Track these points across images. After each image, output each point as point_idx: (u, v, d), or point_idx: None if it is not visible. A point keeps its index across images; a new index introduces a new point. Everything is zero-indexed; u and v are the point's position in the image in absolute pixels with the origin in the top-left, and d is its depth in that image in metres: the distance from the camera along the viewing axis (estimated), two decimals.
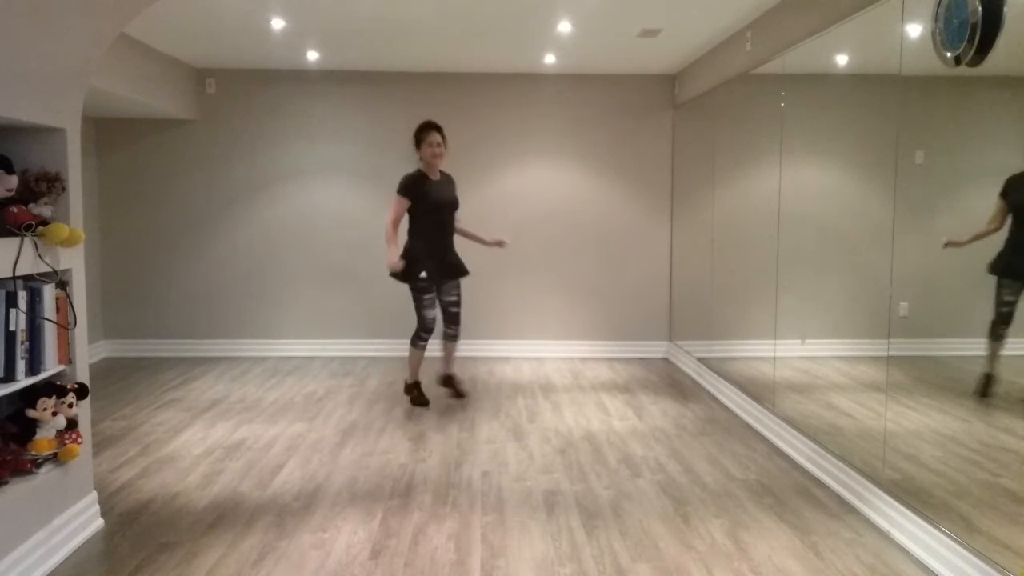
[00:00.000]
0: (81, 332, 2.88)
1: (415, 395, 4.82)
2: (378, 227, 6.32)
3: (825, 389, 3.85)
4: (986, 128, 2.69)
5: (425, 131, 4.58)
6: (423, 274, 4.55)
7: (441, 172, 4.71)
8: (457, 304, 4.79)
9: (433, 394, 4.99)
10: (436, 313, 4.67)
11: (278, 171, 6.32)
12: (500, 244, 4.81)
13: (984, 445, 2.64)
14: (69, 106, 2.81)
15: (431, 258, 4.60)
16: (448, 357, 4.94)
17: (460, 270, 4.76)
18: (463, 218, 4.85)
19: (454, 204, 4.70)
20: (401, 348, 6.37)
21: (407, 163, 6.32)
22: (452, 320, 4.79)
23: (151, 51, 5.39)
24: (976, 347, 2.80)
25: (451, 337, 4.83)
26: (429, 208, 4.58)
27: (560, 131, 6.33)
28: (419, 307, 4.61)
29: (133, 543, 2.83)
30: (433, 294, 4.64)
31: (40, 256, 2.62)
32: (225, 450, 3.91)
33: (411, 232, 4.66)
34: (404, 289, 6.34)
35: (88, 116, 6.02)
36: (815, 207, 3.90)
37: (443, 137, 4.61)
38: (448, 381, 4.98)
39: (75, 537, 2.81)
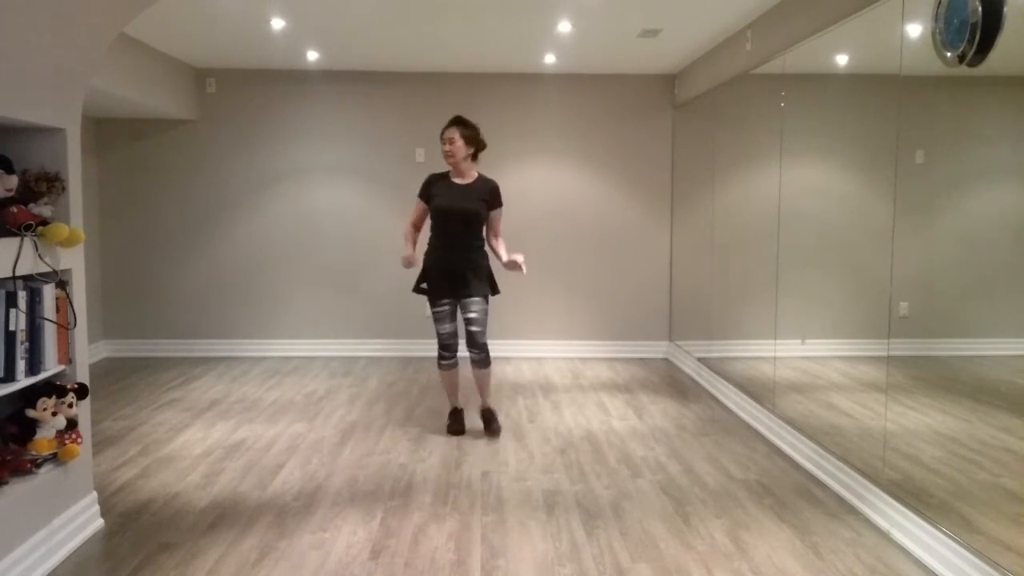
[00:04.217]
0: (81, 332, 2.88)
1: (448, 422, 4.28)
2: (377, 227, 6.34)
3: (825, 389, 3.85)
4: (986, 128, 2.70)
5: (445, 127, 4.14)
6: (423, 284, 4.14)
7: (480, 176, 4.16)
8: (477, 323, 4.05)
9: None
10: (451, 328, 4.11)
11: (278, 171, 6.32)
12: (514, 267, 4.04)
13: (984, 445, 2.64)
14: (69, 106, 2.81)
15: (435, 268, 4.09)
16: (479, 387, 4.25)
17: (466, 289, 4.06)
18: (502, 231, 4.23)
19: (465, 214, 4.04)
20: (401, 348, 6.38)
21: (407, 163, 6.35)
22: (471, 341, 4.07)
23: (151, 51, 5.39)
24: (976, 347, 2.81)
25: (475, 362, 4.14)
26: (434, 213, 4.09)
27: (560, 131, 6.33)
28: (433, 322, 4.16)
29: (133, 543, 2.83)
30: (445, 308, 4.09)
31: (40, 256, 2.62)
32: (225, 450, 3.91)
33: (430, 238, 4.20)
34: (403, 289, 6.36)
35: (88, 116, 6.01)
36: (815, 207, 3.90)
37: (461, 131, 4.06)
38: (485, 416, 4.25)
39: (75, 537, 2.81)
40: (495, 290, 4.19)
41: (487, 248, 4.19)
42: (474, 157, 4.16)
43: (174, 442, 4.04)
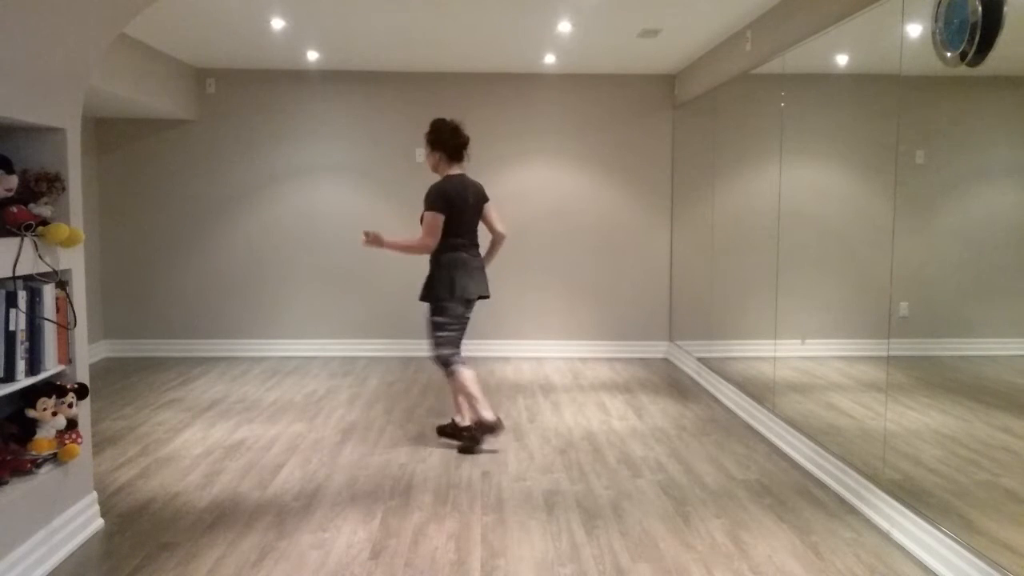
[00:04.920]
0: (81, 332, 2.88)
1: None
2: (377, 227, 6.22)
3: (825, 389, 3.85)
4: (986, 128, 2.69)
5: None
6: None
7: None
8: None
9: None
10: None
11: (278, 171, 6.32)
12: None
13: (984, 445, 2.64)
14: (69, 106, 2.81)
15: None
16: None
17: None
18: (422, 233, 3.91)
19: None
20: (401, 348, 6.38)
21: (407, 163, 6.36)
22: None
23: (151, 51, 5.39)
24: (976, 347, 2.81)
25: None
26: None
27: (560, 131, 6.34)
28: None
29: (133, 543, 2.83)
30: None
31: (40, 256, 2.62)
32: (225, 450, 3.91)
33: None
34: (403, 289, 6.38)
35: (88, 116, 6.02)
36: (815, 207, 3.90)
37: (425, 138, 4.01)
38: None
39: (75, 537, 2.81)
40: (433, 296, 3.90)
41: (445, 251, 3.92)
42: (453, 157, 3.96)
43: (174, 442, 4.04)
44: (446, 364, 3.93)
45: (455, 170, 3.98)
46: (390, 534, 2.92)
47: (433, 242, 3.86)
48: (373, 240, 3.84)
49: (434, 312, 3.92)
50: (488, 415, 3.91)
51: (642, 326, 6.50)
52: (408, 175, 6.29)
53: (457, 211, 3.89)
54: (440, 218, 3.84)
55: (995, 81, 2.54)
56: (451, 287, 3.87)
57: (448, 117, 4.04)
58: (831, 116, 3.79)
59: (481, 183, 4.14)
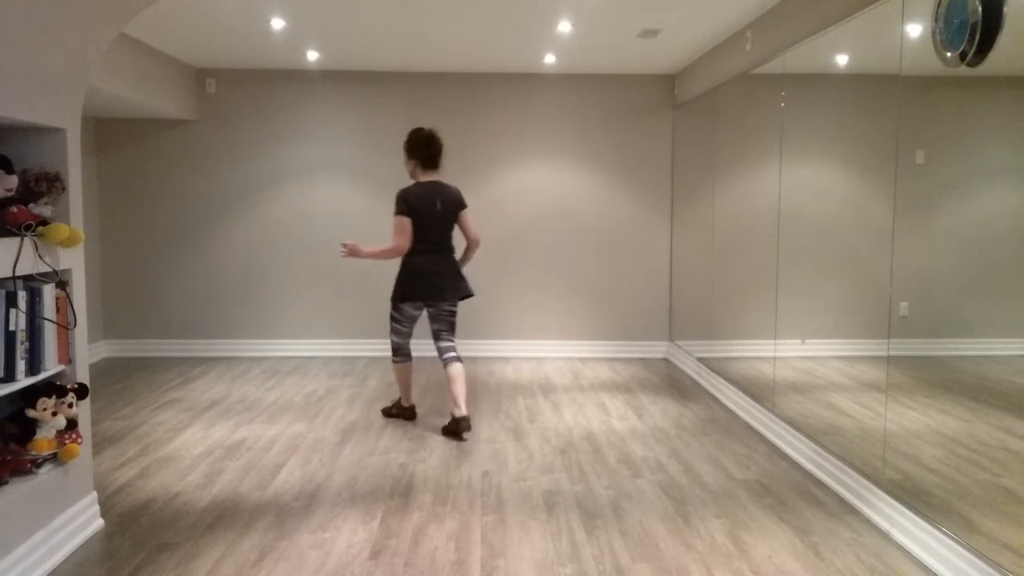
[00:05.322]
0: (81, 332, 2.88)
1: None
2: (377, 227, 6.34)
3: (825, 389, 3.85)
4: (986, 128, 2.69)
5: None
6: None
7: None
8: None
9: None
10: (433, 326, 4.32)
11: (278, 171, 6.32)
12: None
13: (984, 445, 2.63)
14: (69, 106, 2.81)
15: None
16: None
17: None
18: (391, 241, 4.20)
19: None
20: None
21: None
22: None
23: (151, 51, 5.39)
24: (976, 347, 2.81)
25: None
26: None
27: (560, 131, 6.34)
28: None
29: (133, 543, 2.83)
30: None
31: (40, 256, 2.62)
32: (225, 450, 3.91)
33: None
34: None
35: (88, 116, 6.02)
36: (815, 207, 3.90)
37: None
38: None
39: (75, 537, 2.81)
40: (391, 296, 4.27)
41: (407, 255, 4.18)
42: (427, 164, 4.19)
43: (174, 442, 4.04)
44: (392, 351, 4.37)
45: (428, 176, 4.22)
46: (390, 534, 2.92)
47: (403, 243, 4.11)
48: (351, 251, 4.10)
49: (391, 308, 4.31)
50: (407, 404, 4.45)
51: (642, 326, 6.50)
52: (408, 175, 6.27)
53: (422, 215, 4.11)
54: (405, 220, 4.10)
55: (995, 81, 2.54)
56: (402, 292, 4.20)
57: (426, 127, 4.30)
58: (831, 116, 3.79)
59: (459, 188, 4.38)
